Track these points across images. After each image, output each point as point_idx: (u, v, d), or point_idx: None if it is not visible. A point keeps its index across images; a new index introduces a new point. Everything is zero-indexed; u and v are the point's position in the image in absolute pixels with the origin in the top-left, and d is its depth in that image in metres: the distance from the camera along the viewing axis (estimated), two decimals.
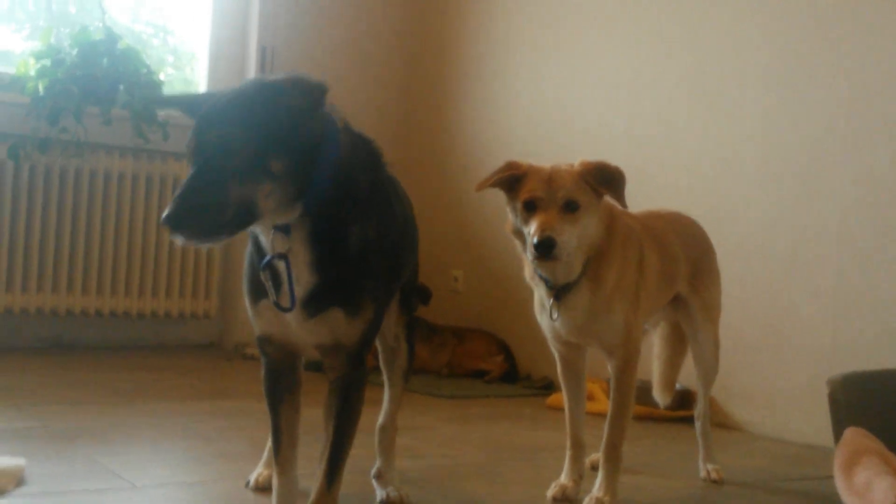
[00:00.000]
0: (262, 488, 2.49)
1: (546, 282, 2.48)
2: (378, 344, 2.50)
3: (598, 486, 2.55)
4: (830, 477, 2.48)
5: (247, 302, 2.04)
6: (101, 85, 4.69)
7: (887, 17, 3.54)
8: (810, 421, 3.60)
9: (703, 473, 3.01)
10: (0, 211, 4.60)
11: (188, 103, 1.88)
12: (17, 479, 2.39)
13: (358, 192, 1.93)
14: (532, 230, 2.31)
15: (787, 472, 3.22)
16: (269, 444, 2.47)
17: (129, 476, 2.54)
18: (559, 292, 2.47)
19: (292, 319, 1.95)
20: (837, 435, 2.64)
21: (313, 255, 1.90)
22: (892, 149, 3.50)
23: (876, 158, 3.54)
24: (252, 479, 2.53)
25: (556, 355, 2.71)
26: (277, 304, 1.93)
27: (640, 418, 3.76)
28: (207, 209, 1.71)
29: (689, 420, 3.39)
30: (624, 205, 2.45)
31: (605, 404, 2.75)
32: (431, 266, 5.11)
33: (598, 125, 4.63)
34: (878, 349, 3.45)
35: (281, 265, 1.90)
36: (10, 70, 4.78)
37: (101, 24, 4.84)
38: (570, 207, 2.34)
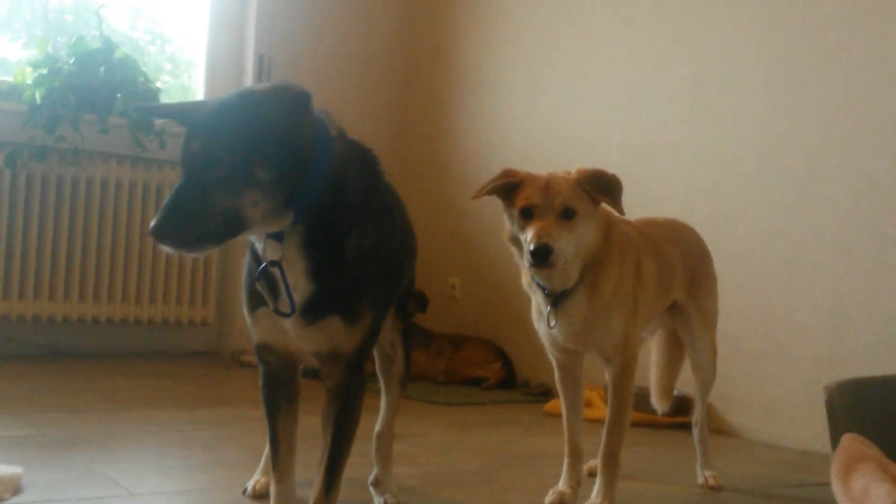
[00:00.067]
0: (260, 496, 2.48)
1: (543, 289, 2.48)
2: (375, 351, 2.50)
3: (595, 493, 2.55)
4: (828, 483, 2.48)
5: (245, 310, 2.04)
6: (98, 93, 4.70)
7: (884, 26, 3.55)
8: (807, 427, 3.61)
9: (700, 480, 3.01)
10: None
11: (181, 113, 1.88)
12: (14, 488, 2.38)
13: (353, 199, 1.94)
14: (529, 237, 2.32)
15: (785, 479, 3.22)
16: (266, 451, 2.48)
17: (126, 484, 2.54)
18: (556, 300, 2.47)
19: (290, 327, 1.95)
20: (834, 441, 2.64)
21: (309, 263, 1.90)
22: (890, 158, 3.51)
23: (873, 167, 3.55)
24: (249, 486, 2.53)
25: (554, 362, 2.71)
26: (277, 311, 1.93)
27: (637, 425, 3.76)
28: (193, 219, 1.72)
29: (686, 426, 3.39)
30: (621, 212, 2.45)
31: (603, 411, 2.74)
32: (429, 273, 5.12)
33: (595, 133, 4.64)
34: (876, 357, 3.45)
35: (277, 273, 1.90)
36: (8, 79, 4.78)
37: (97, 33, 4.85)
38: (567, 215, 2.35)
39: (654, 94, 4.37)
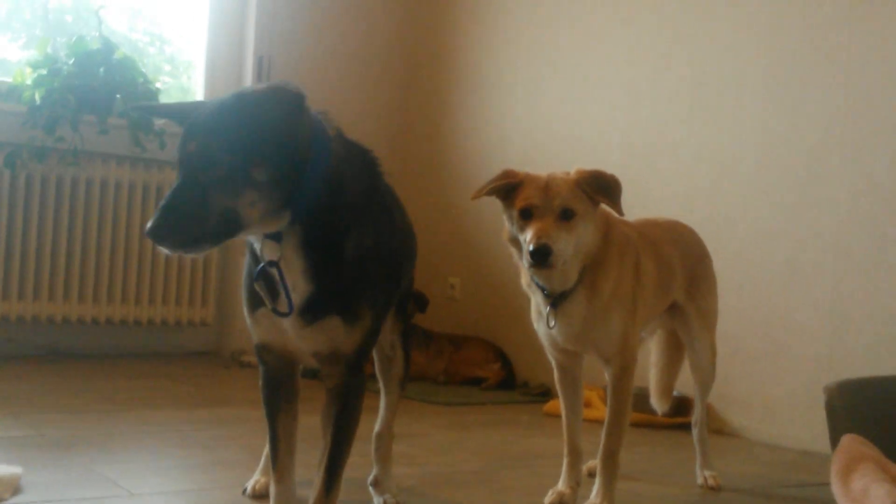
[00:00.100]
0: (260, 496, 2.49)
1: (543, 290, 2.48)
2: (374, 352, 2.50)
3: (595, 493, 2.55)
4: (827, 483, 2.48)
5: (245, 310, 2.05)
6: (97, 94, 4.70)
7: (884, 26, 3.55)
8: (807, 428, 3.61)
9: (700, 480, 3.01)
10: None
11: (179, 113, 1.88)
12: (13, 488, 2.39)
13: (352, 199, 1.94)
14: (528, 238, 2.32)
15: (785, 479, 3.22)
16: (265, 451, 2.48)
17: (126, 484, 2.54)
18: (556, 300, 2.47)
19: (290, 327, 1.95)
20: (834, 442, 2.64)
21: (307, 263, 1.90)
22: (890, 158, 3.51)
23: (873, 168, 3.55)
24: (249, 486, 2.53)
25: (553, 363, 2.71)
26: (275, 310, 1.94)
27: (637, 425, 3.76)
28: (190, 219, 1.73)
29: (686, 427, 3.39)
30: (620, 213, 2.46)
31: (603, 411, 2.75)
32: (428, 273, 5.12)
33: (595, 133, 4.64)
34: (875, 357, 3.46)
35: (276, 273, 1.90)
36: (7, 79, 4.78)
37: (97, 34, 4.85)
38: (566, 215, 2.35)
39: (654, 95, 4.38)
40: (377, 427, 2.57)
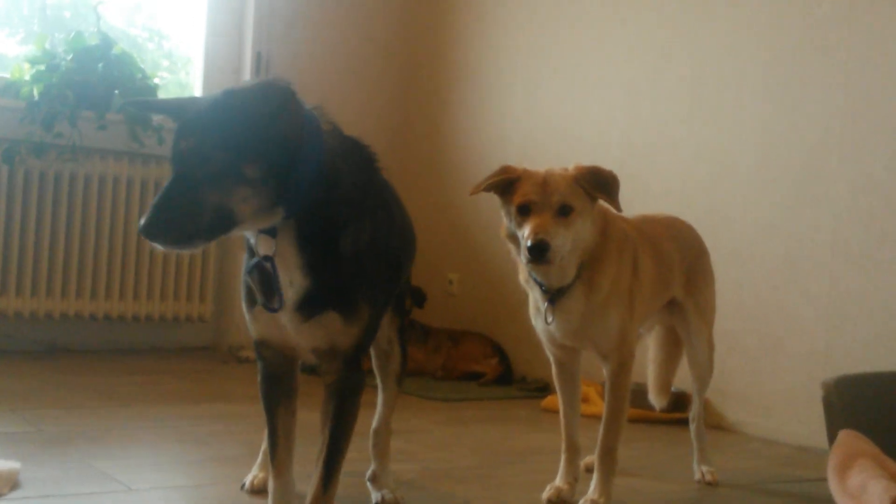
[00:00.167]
0: (258, 491, 2.49)
1: (541, 286, 2.48)
2: (371, 348, 2.50)
3: (593, 489, 2.56)
4: (825, 479, 2.49)
5: (244, 306, 2.05)
6: (95, 90, 4.69)
7: (883, 25, 3.55)
8: (804, 423, 3.61)
9: (697, 475, 3.02)
10: None
11: (174, 109, 1.89)
12: (11, 483, 2.39)
13: (347, 194, 1.94)
14: (526, 233, 2.32)
15: (782, 474, 3.23)
16: (263, 446, 2.48)
17: (124, 479, 2.54)
18: (554, 296, 2.47)
19: (288, 323, 1.96)
20: (831, 437, 2.65)
21: (303, 258, 1.91)
22: (887, 155, 3.52)
23: (871, 165, 3.56)
24: (247, 481, 2.53)
25: (551, 358, 2.72)
26: (265, 305, 1.94)
27: (635, 421, 3.76)
28: (183, 216, 1.74)
29: (683, 422, 3.40)
30: (618, 209, 2.46)
31: (601, 407, 2.75)
32: (427, 269, 5.12)
33: (594, 131, 4.64)
34: (872, 353, 3.46)
35: (269, 268, 1.91)
36: (5, 75, 4.78)
37: (95, 30, 4.85)
38: (564, 211, 2.35)
39: (654, 93, 4.37)
40: (375, 423, 2.57)
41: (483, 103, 5.30)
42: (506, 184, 2.42)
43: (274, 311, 1.93)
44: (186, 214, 1.74)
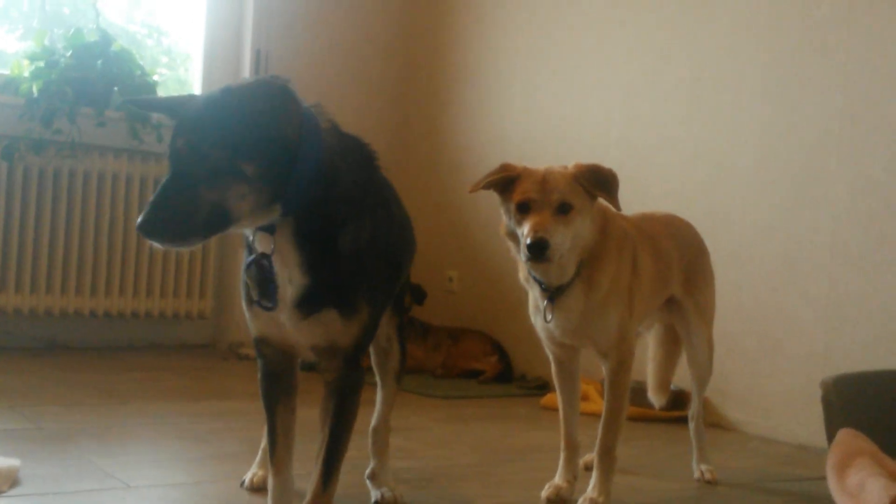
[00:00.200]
0: (257, 489, 2.49)
1: (540, 284, 2.48)
2: (371, 345, 2.50)
3: (592, 487, 2.56)
4: (824, 478, 2.49)
5: (243, 303, 2.05)
6: (95, 86, 4.69)
7: (882, 26, 3.55)
8: (803, 422, 3.62)
9: (696, 474, 3.02)
10: None
11: (173, 106, 1.89)
12: (11, 480, 2.39)
13: (346, 192, 1.94)
14: (525, 231, 2.32)
15: (781, 473, 3.23)
16: (263, 444, 2.48)
17: (123, 477, 2.55)
18: (553, 294, 2.47)
19: (287, 320, 1.96)
20: (830, 436, 2.65)
21: (302, 256, 1.91)
22: (886, 157, 3.51)
23: (870, 166, 3.55)
24: (247, 479, 2.53)
25: (551, 357, 2.72)
26: (259, 303, 1.94)
27: (634, 419, 3.77)
28: (179, 214, 1.75)
29: (683, 421, 3.40)
30: (618, 207, 2.46)
31: (600, 405, 2.75)
32: (426, 266, 5.12)
33: (593, 130, 4.64)
34: (871, 354, 3.46)
35: (267, 265, 1.91)
36: (5, 71, 4.78)
37: (94, 26, 4.84)
38: (564, 209, 2.35)
39: (653, 92, 4.37)
40: (374, 421, 2.57)
41: (482, 104, 5.30)
42: (505, 181, 2.42)
43: (268, 309, 1.93)
44: (183, 212, 1.74)
